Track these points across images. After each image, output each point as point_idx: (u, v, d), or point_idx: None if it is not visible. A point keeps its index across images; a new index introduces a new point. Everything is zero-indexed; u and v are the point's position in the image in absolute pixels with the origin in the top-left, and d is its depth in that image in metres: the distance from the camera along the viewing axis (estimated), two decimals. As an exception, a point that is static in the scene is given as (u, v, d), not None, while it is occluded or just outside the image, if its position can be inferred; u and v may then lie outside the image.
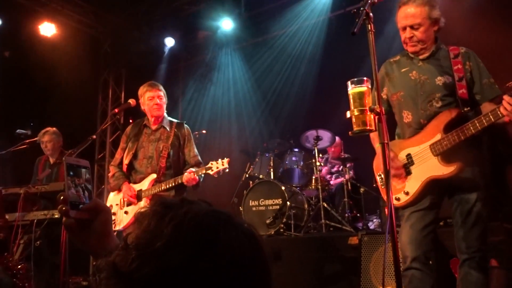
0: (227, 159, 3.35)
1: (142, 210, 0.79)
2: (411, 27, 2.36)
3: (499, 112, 2.08)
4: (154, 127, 3.62)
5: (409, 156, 2.39)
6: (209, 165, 3.32)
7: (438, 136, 2.29)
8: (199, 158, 3.65)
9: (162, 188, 3.37)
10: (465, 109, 2.31)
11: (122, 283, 0.70)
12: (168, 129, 3.61)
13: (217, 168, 3.30)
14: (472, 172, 2.30)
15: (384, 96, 2.58)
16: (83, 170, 1.05)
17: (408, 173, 2.38)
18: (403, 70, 2.49)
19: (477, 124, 2.16)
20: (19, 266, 2.62)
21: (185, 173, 3.32)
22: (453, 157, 2.25)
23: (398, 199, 2.39)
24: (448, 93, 2.35)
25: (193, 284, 0.68)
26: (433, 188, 2.32)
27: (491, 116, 2.12)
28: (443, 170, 2.26)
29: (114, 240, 1.05)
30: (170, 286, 0.68)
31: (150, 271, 0.68)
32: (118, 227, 3.42)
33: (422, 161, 2.34)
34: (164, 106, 3.65)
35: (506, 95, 2.06)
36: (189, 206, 0.76)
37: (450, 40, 2.56)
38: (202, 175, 3.42)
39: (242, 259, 0.74)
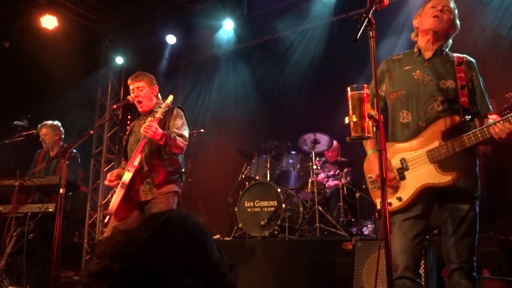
0: (172, 96, 3.27)
1: None
2: (444, 6, 2.43)
3: (486, 131, 2.17)
4: (145, 113, 3.56)
5: (403, 160, 2.36)
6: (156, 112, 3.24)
7: (436, 143, 2.27)
8: (182, 132, 3.38)
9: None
10: (466, 117, 2.32)
11: None
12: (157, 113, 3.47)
13: (162, 108, 3.24)
14: (465, 181, 2.28)
15: (382, 93, 2.55)
16: None
17: (402, 178, 2.35)
18: (406, 68, 2.47)
19: (472, 138, 2.18)
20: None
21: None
22: (450, 166, 2.23)
23: (390, 204, 2.35)
24: (449, 99, 2.34)
25: None
26: (426, 195, 2.31)
27: (486, 132, 2.17)
28: (439, 178, 2.23)
29: None
30: None
31: None
32: (109, 207, 3.26)
33: (417, 167, 2.31)
34: (146, 98, 3.50)
35: (500, 123, 2.12)
36: None
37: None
38: (175, 136, 3.25)
39: None
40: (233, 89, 7.54)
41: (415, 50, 2.52)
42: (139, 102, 3.51)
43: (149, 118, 3.20)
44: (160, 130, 3.14)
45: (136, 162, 3.25)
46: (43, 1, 6.67)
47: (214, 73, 7.78)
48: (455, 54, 2.47)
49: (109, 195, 3.56)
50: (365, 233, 5.36)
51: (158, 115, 3.21)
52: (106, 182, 3.42)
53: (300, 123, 6.74)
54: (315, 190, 5.31)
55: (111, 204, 3.26)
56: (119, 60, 7.76)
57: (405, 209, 2.33)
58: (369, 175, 2.53)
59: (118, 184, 3.31)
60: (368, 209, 5.43)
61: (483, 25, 5.47)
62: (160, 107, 3.45)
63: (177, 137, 3.29)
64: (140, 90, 3.48)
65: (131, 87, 3.54)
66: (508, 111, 4.22)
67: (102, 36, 7.69)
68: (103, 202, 7.20)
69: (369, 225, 5.61)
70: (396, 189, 2.36)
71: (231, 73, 7.51)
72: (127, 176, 3.23)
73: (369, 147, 2.51)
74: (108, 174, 3.43)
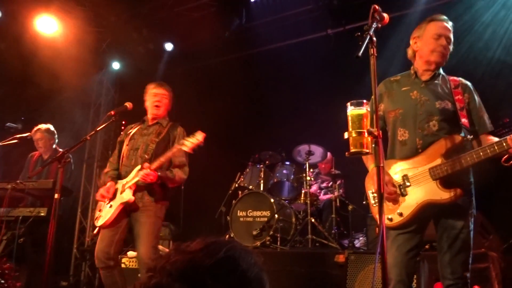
0: (203, 134, 3.21)
1: None
2: (447, 38, 2.48)
3: (505, 144, 2.16)
4: (150, 123, 3.61)
5: (405, 177, 2.39)
6: (181, 143, 3.18)
7: (438, 161, 2.31)
8: (185, 160, 3.50)
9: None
10: (468, 137, 2.38)
11: None
12: (162, 126, 3.59)
13: (192, 143, 3.14)
14: (463, 199, 2.32)
15: (380, 113, 2.60)
16: None
17: (404, 194, 2.38)
18: (404, 88, 2.54)
19: (474, 156, 2.21)
20: (4, 266, 2.61)
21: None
22: (451, 183, 2.27)
23: (390, 220, 2.38)
24: (445, 118, 2.39)
25: None
26: (426, 211, 2.34)
27: (496, 147, 2.18)
28: (441, 195, 2.26)
29: None
30: None
31: None
32: (101, 221, 3.26)
33: (419, 183, 2.34)
34: (164, 107, 3.63)
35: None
36: None
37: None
38: (174, 174, 3.35)
39: None
40: (228, 98, 7.55)
41: (412, 71, 2.58)
42: (157, 107, 3.56)
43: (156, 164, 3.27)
44: (156, 174, 3.22)
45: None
46: (41, 4, 6.66)
47: (210, 82, 7.78)
48: (451, 77, 2.54)
49: (98, 207, 3.50)
50: (356, 245, 5.37)
51: (186, 148, 3.19)
52: (98, 198, 3.39)
53: (294, 134, 6.75)
54: (308, 201, 5.33)
55: (105, 217, 3.24)
56: (116, 65, 7.76)
57: (405, 225, 2.36)
58: (371, 191, 2.55)
59: (107, 199, 3.32)
60: (360, 221, 5.45)
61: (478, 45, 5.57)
62: (169, 123, 3.59)
63: (177, 173, 3.39)
64: (165, 97, 3.62)
65: (154, 91, 3.60)
66: (501, 128, 4.28)
67: (100, 41, 7.69)
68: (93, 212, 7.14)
69: (360, 238, 5.62)
70: (397, 204, 2.39)
71: (227, 82, 7.51)
72: (128, 194, 3.25)
73: (370, 162, 2.53)
74: (104, 190, 3.37)
